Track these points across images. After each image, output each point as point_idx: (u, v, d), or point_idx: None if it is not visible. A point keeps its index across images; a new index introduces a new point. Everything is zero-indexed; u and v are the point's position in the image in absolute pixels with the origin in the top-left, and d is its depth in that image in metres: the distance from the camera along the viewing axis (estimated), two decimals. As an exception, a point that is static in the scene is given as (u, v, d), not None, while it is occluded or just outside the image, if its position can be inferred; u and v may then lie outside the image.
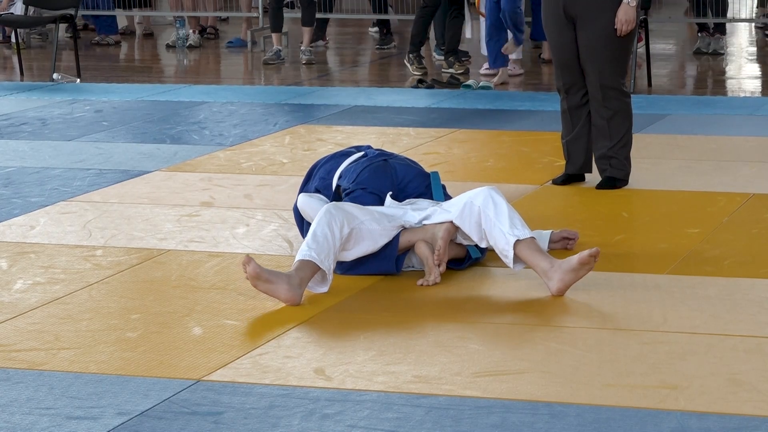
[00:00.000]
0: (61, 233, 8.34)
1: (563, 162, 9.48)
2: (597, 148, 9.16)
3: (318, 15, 16.88)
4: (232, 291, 7.10)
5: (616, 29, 8.94)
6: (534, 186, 9.21)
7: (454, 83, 13.50)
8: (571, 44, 9.10)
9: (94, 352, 6.27)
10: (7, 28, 16.49)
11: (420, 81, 13.32)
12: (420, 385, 5.72)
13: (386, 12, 17.05)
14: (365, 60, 13.36)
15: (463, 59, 14.50)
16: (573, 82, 9.15)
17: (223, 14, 18.08)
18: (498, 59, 13.32)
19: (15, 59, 15.27)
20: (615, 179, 9.14)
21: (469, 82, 13.53)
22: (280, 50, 15.47)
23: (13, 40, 15.89)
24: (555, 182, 9.32)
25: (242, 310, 6.76)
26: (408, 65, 14.00)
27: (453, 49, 14.11)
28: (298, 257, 6.88)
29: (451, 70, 13.79)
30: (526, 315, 6.70)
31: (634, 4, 8.94)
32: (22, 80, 14.42)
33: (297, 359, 6.08)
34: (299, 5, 17.00)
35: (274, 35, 15.58)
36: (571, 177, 9.32)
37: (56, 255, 7.94)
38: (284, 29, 16.58)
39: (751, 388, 5.64)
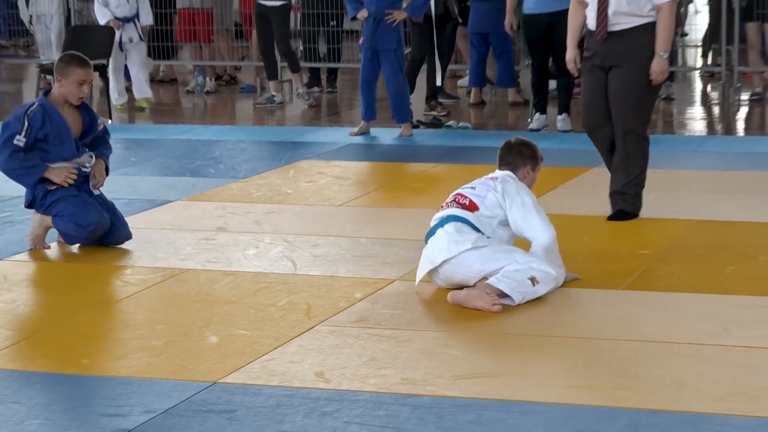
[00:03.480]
0: (94, 255, 8.33)
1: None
2: (613, 183, 9.04)
3: (314, 65, 16.93)
4: (244, 305, 7.13)
5: (650, 79, 8.79)
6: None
7: (436, 123, 13.51)
8: (603, 90, 8.97)
9: (124, 358, 6.28)
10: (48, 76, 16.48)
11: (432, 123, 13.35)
12: (406, 387, 5.75)
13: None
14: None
15: (443, 102, 14.51)
16: (595, 124, 9.07)
17: (236, 63, 18.06)
18: (404, 115, 13.17)
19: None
20: (626, 212, 8.99)
21: (450, 122, 13.54)
22: (273, 96, 15.42)
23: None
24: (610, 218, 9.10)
25: (252, 322, 6.78)
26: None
27: (434, 94, 14.10)
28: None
29: (433, 113, 13.79)
30: (500, 326, 6.69)
31: (667, 56, 8.85)
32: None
33: (300, 364, 6.10)
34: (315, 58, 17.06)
35: (271, 82, 15.55)
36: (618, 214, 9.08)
37: (91, 272, 7.96)
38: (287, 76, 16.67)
39: (694, 389, 5.67)
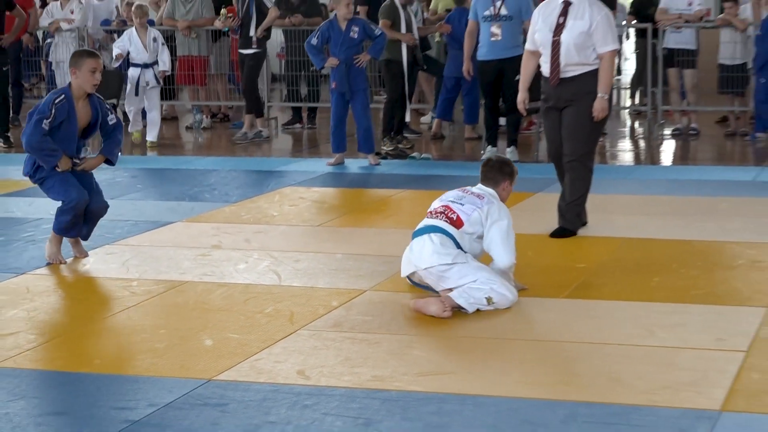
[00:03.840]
0: (106, 269, 8.31)
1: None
2: (559, 203, 9.12)
3: (296, 104, 16.92)
4: (235, 312, 7.11)
5: (593, 116, 8.86)
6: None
7: (402, 155, 13.51)
8: (558, 129, 9.05)
9: (131, 359, 6.27)
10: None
11: (377, 153, 13.32)
12: (376, 383, 5.75)
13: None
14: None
15: (410, 136, 14.52)
16: (559, 155, 9.11)
17: (229, 103, 18.02)
18: (372, 147, 13.17)
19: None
20: (566, 230, 9.03)
21: (414, 154, 13.55)
22: (260, 131, 15.41)
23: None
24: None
25: (242, 327, 6.76)
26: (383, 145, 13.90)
27: (400, 130, 14.10)
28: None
29: (400, 146, 13.78)
30: (457, 330, 6.69)
31: (607, 97, 8.94)
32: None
33: (284, 363, 6.09)
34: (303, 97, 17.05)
35: (257, 119, 15.53)
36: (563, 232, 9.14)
37: (103, 285, 7.94)
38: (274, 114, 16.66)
39: (625, 384, 5.68)
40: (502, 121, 13.57)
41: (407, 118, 14.43)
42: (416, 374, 5.89)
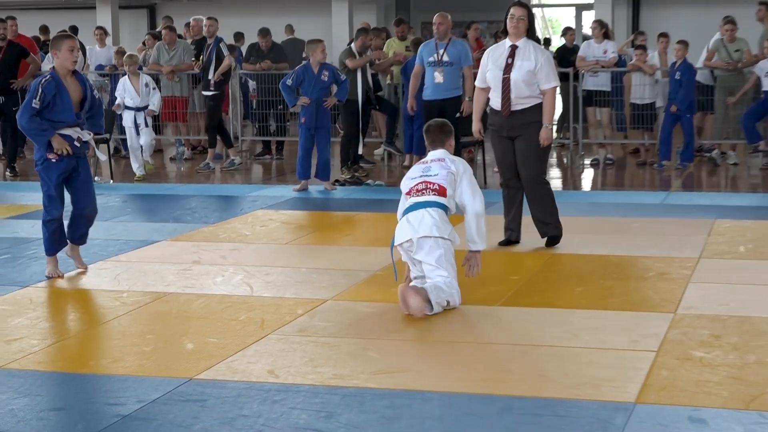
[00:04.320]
0: (99, 282, 8.25)
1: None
2: (540, 216, 9.21)
3: (266, 138, 16.89)
4: (213, 320, 7.07)
5: (540, 142, 8.99)
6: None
7: (358, 182, 13.51)
8: (512, 154, 9.11)
9: (122, 361, 6.21)
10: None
11: (336, 181, 13.32)
12: (337, 380, 5.73)
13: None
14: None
15: (364, 166, 14.52)
16: (508, 178, 9.16)
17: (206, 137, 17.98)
18: (329, 175, 13.19)
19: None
20: (555, 237, 9.20)
21: (368, 181, 13.55)
22: (233, 159, 15.39)
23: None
24: (500, 244, 9.23)
25: (219, 332, 6.72)
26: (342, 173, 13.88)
27: (355, 160, 14.09)
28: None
29: (356, 174, 13.78)
30: (406, 334, 6.68)
31: (551, 127, 9.07)
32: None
33: (256, 364, 6.06)
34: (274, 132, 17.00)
35: (229, 150, 15.53)
36: (509, 241, 9.28)
37: (97, 296, 7.88)
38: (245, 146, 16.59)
39: (553, 380, 5.68)
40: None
41: (361, 151, 14.45)
42: (371, 373, 5.88)
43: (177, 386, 5.66)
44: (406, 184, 7.47)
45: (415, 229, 7.18)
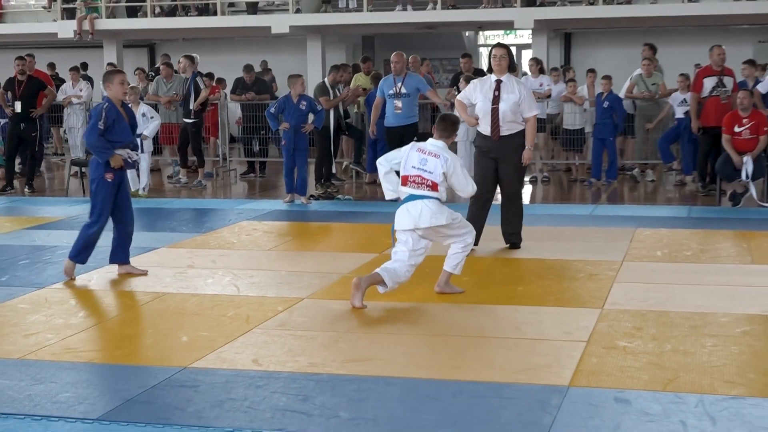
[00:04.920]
0: (106, 283, 8.20)
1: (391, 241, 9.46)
2: (510, 228, 9.38)
3: (250, 159, 16.83)
4: (205, 316, 7.03)
5: (522, 163, 9.15)
6: (374, 254, 9.21)
7: (330, 197, 13.49)
8: (494, 173, 9.20)
9: (125, 352, 6.18)
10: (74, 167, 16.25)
11: (311, 196, 13.29)
12: (312, 368, 5.72)
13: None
14: (281, 183, 13.42)
15: (336, 183, 14.50)
16: (483, 193, 9.11)
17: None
18: (306, 190, 13.13)
19: (80, 183, 15.02)
20: (518, 244, 9.37)
21: (339, 196, 13.53)
22: (197, 181, 15.35)
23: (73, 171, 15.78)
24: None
25: (210, 327, 6.69)
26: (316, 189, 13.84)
27: (328, 178, 14.07)
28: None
29: (329, 190, 13.76)
30: (372, 328, 6.69)
31: (532, 149, 9.21)
32: (84, 196, 14.20)
33: (242, 354, 6.04)
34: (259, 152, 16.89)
35: (199, 169, 15.51)
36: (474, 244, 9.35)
37: (104, 295, 7.82)
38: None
39: (499, 367, 5.69)
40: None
41: (333, 170, 14.45)
42: (342, 361, 5.87)
43: (173, 374, 5.63)
44: (404, 168, 7.49)
45: (415, 219, 7.30)
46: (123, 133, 8.24)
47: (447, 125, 7.53)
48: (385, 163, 7.58)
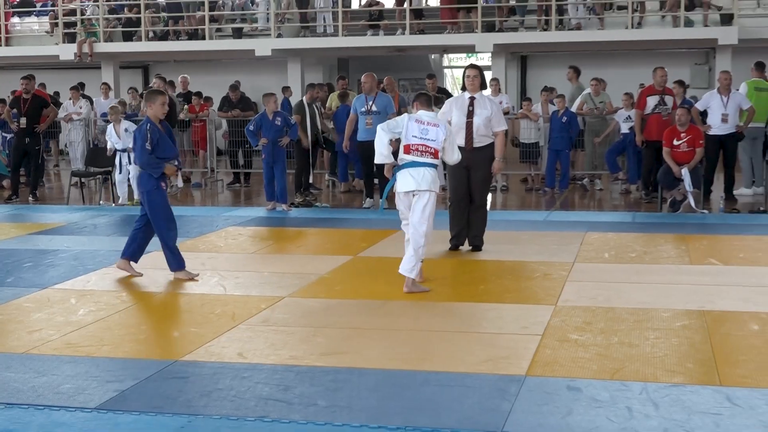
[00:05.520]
0: (104, 283, 8.14)
1: (365, 244, 9.47)
2: (474, 231, 9.42)
3: (236, 170, 16.78)
4: (195, 313, 7.00)
5: (491, 173, 9.30)
6: (349, 256, 9.21)
7: (309, 205, 13.47)
8: (467, 181, 9.24)
9: (121, 346, 6.13)
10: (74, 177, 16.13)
11: (292, 203, 13.27)
12: (292, 360, 5.70)
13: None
14: (263, 192, 13.41)
15: (314, 192, 14.48)
16: (461, 198, 9.27)
17: (190, 170, 17.84)
18: (286, 199, 13.16)
19: (79, 192, 14.92)
20: (479, 246, 9.40)
21: (317, 203, 13.52)
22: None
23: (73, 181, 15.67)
24: (450, 249, 9.41)
25: (199, 323, 6.66)
26: (296, 198, 13.81)
27: (307, 187, 14.06)
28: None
29: (307, 198, 13.74)
30: (346, 323, 6.66)
31: (502, 160, 9.25)
32: (83, 204, 14.10)
33: (228, 348, 6.01)
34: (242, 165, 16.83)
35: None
36: (456, 246, 9.45)
37: (102, 295, 7.76)
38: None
39: (462, 358, 5.68)
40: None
41: (311, 180, 14.45)
42: (319, 354, 5.84)
43: (165, 366, 5.60)
44: (405, 137, 7.61)
45: (418, 182, 7.50)
46: (168, 149, 8.17)
47: (427, 98, 7.86)
48: (386, 129, 7.69)
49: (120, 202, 13.83)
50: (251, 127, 12.89)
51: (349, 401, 4.96)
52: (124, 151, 13.78)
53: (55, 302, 7.47)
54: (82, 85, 19.78)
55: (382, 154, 7.65)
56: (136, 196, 14.06)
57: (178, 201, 14.57)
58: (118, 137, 13.76)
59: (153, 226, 8.26)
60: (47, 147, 18.78)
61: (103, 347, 6.17)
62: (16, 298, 7.60)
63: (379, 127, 7.72)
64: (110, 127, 14.09)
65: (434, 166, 7.61)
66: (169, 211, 8.25)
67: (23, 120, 14.73)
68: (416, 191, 7.53)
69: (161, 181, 8.17)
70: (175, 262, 8.24)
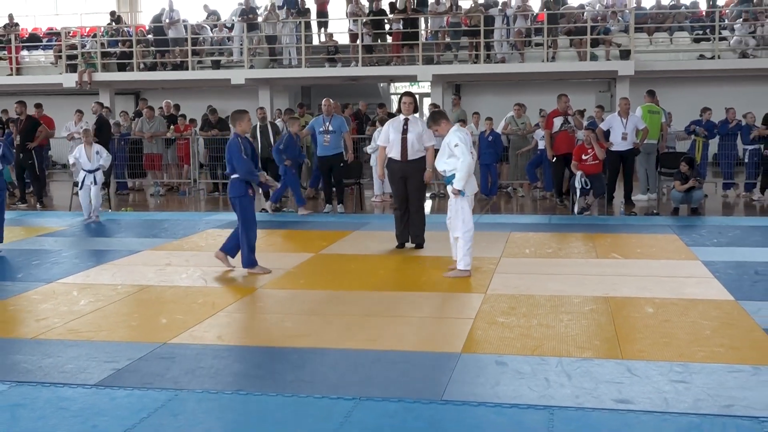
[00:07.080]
0: (102, 278, 8.02)
1: (324, 243, 9.42)
2: (415, 231, 9.39)
3: (216, 181, 16.62)
4: (180, 303, 6.92)
5: (424, 181, 9.29)
6: (311, 253, 9.16)
7: (278, 210, 13.39)
8: (405, 188, 9.27)
9: (117, 331, 6.04)
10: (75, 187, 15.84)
11: (263, 209, 13.18)
12: (264, 342, 5.66)
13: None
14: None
15: (283, 200, 14.37)
16: (401, 203, 9.29)
17: (176, 181, 17.64)
18: (277, 199, 13.18)
19: (79, 198, 14.68)
20: (422, 244, 9.38)
21: (291, 209, 13.43)
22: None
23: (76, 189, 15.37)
24: (397, 247, 9.37)
25: (184, 311, 6.59)
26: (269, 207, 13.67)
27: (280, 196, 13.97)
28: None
29: (277, 205, 13.65)
30: (310, 311, 6.61)
31: (432, 170, 9.17)
32: (83, 210, 13.89)
33: (209, 332, 5.95)
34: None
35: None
36: (401, 246, 9.42)
37: (100, 288, 7.64)
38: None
39: (407, 339, 5.66)
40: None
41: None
42: (287, 336, 5.81)
43: (155, 348, 5.53)
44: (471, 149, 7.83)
45: (474, 187, 7.86)
46: (255, 160, 8.12)
47: (435, 115, 8.09)
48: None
49: (88, 217, 12.45)
50: (281, 146, 12.79)
51: (312, 376, 4.94)
52: (90, 171, 12.54)
53: (59, 294, 7.35)
54: (80, 113, 19.42)
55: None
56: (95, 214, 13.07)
57: (164, 207, 14.42)
58: (88, 159, 12.56)
59: (239, 226, 8.13)
60: (45, 162, 18.43)
61: (101, 332, 6.08)
62: (26, 291, 7.47)
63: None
64: (80, 147, 12.84)
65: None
66: (254, 214, 8.13)
67: (17, 137, 14.77)
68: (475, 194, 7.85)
69: (249, 188, 8.04)
70: (249, 260, 8.10)
